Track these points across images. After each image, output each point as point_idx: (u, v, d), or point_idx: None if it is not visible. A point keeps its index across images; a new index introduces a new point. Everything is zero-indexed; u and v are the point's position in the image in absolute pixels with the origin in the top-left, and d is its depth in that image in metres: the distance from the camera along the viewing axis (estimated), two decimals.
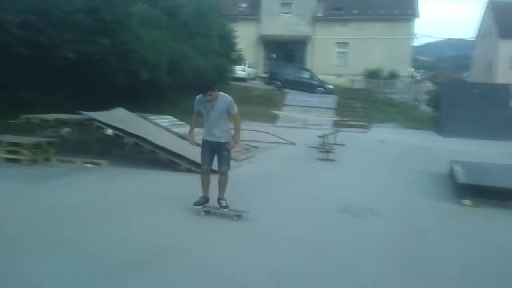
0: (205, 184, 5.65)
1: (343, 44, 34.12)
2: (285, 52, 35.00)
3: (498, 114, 20.09)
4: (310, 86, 27.77)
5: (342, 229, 5.31)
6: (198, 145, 5.76)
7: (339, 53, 34.56)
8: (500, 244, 5.05)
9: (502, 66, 37.42)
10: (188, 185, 7.15)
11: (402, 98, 29.14)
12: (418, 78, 60.17)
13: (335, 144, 12.88)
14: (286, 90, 26.63)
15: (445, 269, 4.19)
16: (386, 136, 16.73)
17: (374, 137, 16.52)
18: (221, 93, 5.55)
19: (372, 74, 31.90)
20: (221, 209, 5.56)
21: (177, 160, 8.07)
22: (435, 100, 24.26)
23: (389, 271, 4.07)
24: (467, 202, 6.63)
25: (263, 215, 5.63)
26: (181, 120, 11.16)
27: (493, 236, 5.36)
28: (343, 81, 31.89)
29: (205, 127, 5.63)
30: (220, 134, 5.54)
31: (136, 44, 13.24)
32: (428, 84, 44.45)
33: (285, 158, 10.74)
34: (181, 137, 9.28)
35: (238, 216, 5.40)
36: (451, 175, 8.04)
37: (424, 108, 28.60)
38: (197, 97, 5.63)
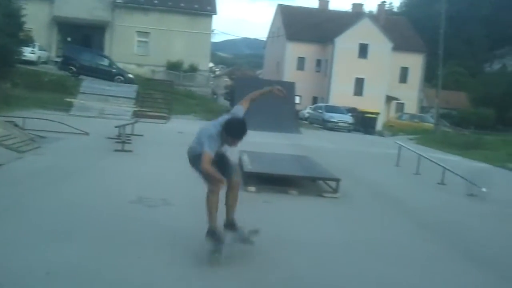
0: (216, 208, 4.25)
1: (144, 34, 33.75)
2: (82, 36, 33.02)
3: (285, 109, 22.23)
4: (108, 74, 26.64)
5: (132, 220, 5.24)
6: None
7: (140, 42, 34.06)
8: (276, 223, 5.62)
9: (289, 65, 41.73)
10: None
11: (201, 91, 30.21)
12: (217, 73, 63.08)
13: (133, 134, 12.64)
14: (82, 77, 25.05)
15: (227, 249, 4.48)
16: (185, 127, 17.06)
17: (173, 128, 16.73)
18: None
19: (173, 66, 32.33)
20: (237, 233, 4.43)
21: None
22: (231, 94, 25.74)
23: (176, 255, 4.18)
24: (251, 188, 7.20)
25: (47, 213, 5.22)
26: None
27: (270, 217, 5.94)
28: (144, 71, 31.60)
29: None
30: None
31: None
32: (226, 79, 47.03)
33: (77, 149, 10.11)
34: None
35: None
36: (240, 164, 8.62)
37: (222, 101, 30.16)
38: (214, 134, 4.17)
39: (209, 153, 4.06)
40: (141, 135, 12.98)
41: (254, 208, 6.33)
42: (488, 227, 6.67)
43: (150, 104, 22.22)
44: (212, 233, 4.20)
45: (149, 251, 4.32)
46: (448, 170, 9.73)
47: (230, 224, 4.44)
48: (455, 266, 4.79)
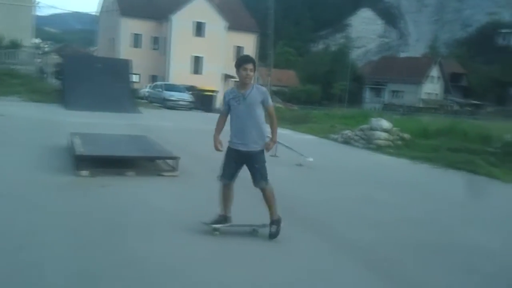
0: (225, 200, 4.77)
1: None
2: None
3: (120, 87, 21.31)
4: None
5: None
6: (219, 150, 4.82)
7: None
8: (114, 207, 5.38)
9: (124, 42, 40.13)
10: None
11: (26, 70, 27.41)
12: (46, 49, 57.88)
13: None
14: None
15: (98, 241, 4.19)
16: (7, 109, 15.36)
17: None
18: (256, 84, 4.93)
19: None
20: (270, 236, 4.78)
21: None
22: (61, 73, 23.82)
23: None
24: (84, 173, 6.79)
25: None
26: None
27: (107, 201, 5.68)
28: None
29: (232, 129, 4.69)
30: (255, 140, 4.61)
31: None
32: (56, 57, 43.42)
33: None
34: None
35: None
36: (71, 148, 8.07)
37: (53, 80, 27.80)
38: (226, 90, 4.94)
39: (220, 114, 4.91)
40: None
41: (89, 193, 6.01)
42: (310, 191, 7.31)
43: None
44: (217, 217, 4.75)
45: None
46: (280, 143, 10.39)
47: (271, 224, 4.81)
48: (289, 230, 5.18)
